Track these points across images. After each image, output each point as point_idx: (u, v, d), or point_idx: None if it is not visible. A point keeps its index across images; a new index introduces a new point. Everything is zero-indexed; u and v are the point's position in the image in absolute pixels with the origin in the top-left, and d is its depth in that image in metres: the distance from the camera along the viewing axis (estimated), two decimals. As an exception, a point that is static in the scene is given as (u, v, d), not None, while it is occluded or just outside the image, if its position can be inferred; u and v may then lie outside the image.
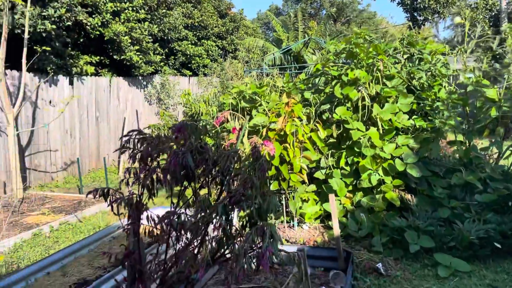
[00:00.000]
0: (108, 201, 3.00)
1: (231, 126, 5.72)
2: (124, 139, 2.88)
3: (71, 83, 10.42)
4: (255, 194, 2.41)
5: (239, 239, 2.51)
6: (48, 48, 8.87)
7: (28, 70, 8.91)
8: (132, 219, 2.79)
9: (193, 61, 15.62)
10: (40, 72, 9.41)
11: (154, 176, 2.71)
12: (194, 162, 2.53)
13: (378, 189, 5.65)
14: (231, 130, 5.65)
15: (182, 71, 15.58)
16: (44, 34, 8.83)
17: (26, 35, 7.95)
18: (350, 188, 5.89)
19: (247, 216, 2.54)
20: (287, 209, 5.91)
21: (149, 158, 2.77)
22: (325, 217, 6.08)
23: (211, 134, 5.71)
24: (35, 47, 8.61)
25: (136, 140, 2.90)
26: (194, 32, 16.19)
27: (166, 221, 2.38)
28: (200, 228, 2.20)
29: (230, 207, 2.35)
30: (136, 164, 2.98)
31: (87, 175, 10.65)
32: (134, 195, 2.80)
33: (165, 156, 2.79)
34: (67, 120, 10.30)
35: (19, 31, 8.28)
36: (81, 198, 8.13)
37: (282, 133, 5.84)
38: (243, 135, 5.32)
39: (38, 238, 5.96)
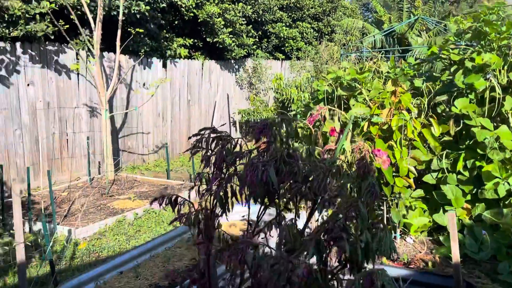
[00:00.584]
0: (175, 211, 2.50)
1: (328, 126, 4.93)
2: (194, 138, 2.33)
3: (164, 65, 10.37)
4: (361, 228, 1.71)
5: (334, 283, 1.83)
6: (142, 30, 8.80)
7: (123, 53, 8.95)
8: (201, 238, 2.25)
9: (286, 44, 14.95)
10: (135, 54, 9.43)
11: (229, 188, 2.13)
12: (280, 175, 1.89)
13: (507, 202, 4.57)
14: (329, 133, 4.85)
15: (274, 54, 15.00)
16: (138, 16, 8.76)
17: (120, 17, 7.89)
18: (469, 197, 4.86)
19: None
20: (388, 215, 5.07)
21: (224, 164, 2.19)
22: (434, 229, 5.12)
23: (301, 135, 4.98)
24: (129, 29, 8.57)
25: (209, 140, 2.33)
26: (289, 14, 15.47)
27: (238, 257, 1.79)
28: (283, 273, 1.58)
29: (325, 244, 1.69)
30: (209, 169, 2.43)
31: (177, 159, 10.62)
32: (202, 209, 2.25)
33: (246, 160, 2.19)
34: (159, 103, 10.30)
35: (114, 13, 8.27)
36: (168, 184, 8.00)
37: (385, 127, 4.97)
38: (345, 138, 4.49)
39: (121, 225, 5.83)
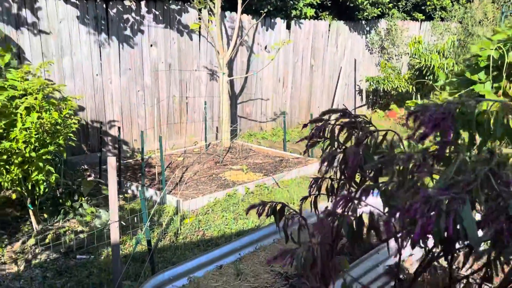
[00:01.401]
0: (281, 227, 1.78)
1: None
2: (310, 127, 1.54)
3: (288, 27, 9.59)
4: None
5: None
6: (266, -13, 8.07)
7: (246, 12, 8.37)
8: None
9: (428, 3, 12.95)
10: (258, 14, 8.79)
11: (366, 223, 1.32)
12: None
13: None
14: None
15: (413, 14, 13.14)
16: (263, -29, 8.03)
17: (243, -28, 7.25)
18: None
19: None
20: None
21: (359, 172, 1.38)
22: None
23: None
24: (252, -14, 7.91)
25: (337, 131, 1.53)
26: (435, -34, 13.31)
27: None
28: None
29: None
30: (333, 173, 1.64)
31: (295, 128, 9.95)
32: (319, 243, 1.47)
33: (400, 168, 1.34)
34: (280, 67, 9.63)
35: (237, -32, 7.64)
36: (283, 156, 7.39)
37: None
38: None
39: (231, 201, 5.38)
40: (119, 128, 5.93)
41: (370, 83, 11.32)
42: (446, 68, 9.94)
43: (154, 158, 7.18)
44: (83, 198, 5.08)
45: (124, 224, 4.77)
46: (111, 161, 3.12)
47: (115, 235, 3.16)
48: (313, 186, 1.83)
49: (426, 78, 10.46)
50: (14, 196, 4.34)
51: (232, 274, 3.11)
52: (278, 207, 1.80)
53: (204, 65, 8.28)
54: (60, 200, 4.90)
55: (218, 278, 3.05)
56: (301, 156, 7.36)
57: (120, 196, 5.71)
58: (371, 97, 11.95)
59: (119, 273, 3.20)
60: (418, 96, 10.98)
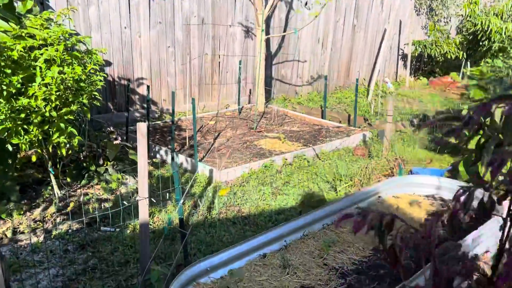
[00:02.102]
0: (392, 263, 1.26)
1: None
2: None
3: (331, -19, 8.73)
4: None
5: None
6: None
7: (287, -37, 7.58)
8: None
9: (486, -41, 11.70)
10: (300, -34, 7.98)
11: None
12: None
13: None
14: None
15: (468, -28, 11.94)
16: None
17: None
18: None
19: None
20: None
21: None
22: None
23: None
24: None
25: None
26: None
27: None
28: None
29: None
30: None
31: (333, 94, 9.28)
32: None
33: None
34: (320, 27, 8.86)
35: None
36: (322, 124, 6.81)
37: None
38: None
39: (267, 172, 4.89)
40: (148, 86, 5.43)
41: (416, 47, 10.42)
42: (505, 33, 8.97)
43: (184, 121, 6.70)
44: (108, 163, 4.67)
45: (152, 193, 4.36)
46: (141, 128, 2.63)
47: (144, 213, 2.72)
48: (458, 201, 1.28)
49: (481, 43, 9.52)
50: (34, 158, 3.94)
51: (278, 266, 2.65)
52: (386, 220, 1.26)
53: (239, 21, 7.61)
54: (84, 164, 4.51)
55: (262, 270, 2.60)
56: (342, 125, 6.75)
57: (148, 161, 5.29)
58: (414, 62, 11.07)
59: (147, 256, 2.78)
60: (468, 63, 10.07)
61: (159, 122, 6.57)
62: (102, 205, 4.09)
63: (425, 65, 11.54)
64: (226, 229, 3.63)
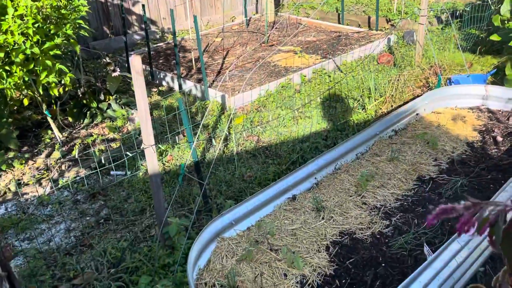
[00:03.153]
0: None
1: None
2: None
3: None
4: None
5: None
6: None
7: None
8: None
9: None
10: None
11: None
12: None
13: None
14: None
15: None
16: None
17: None
18: None
19: None
20: None
21: None
22: None
23: None
24: None
25: None
26: None
27: None
28: None
29: None
30: None
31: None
32: None
33: None
34: None
35: None
36: (341, 30, 6.14)
37: None
38: None
39: (285, 93, 4.43)
40: (143, 5, 4.79)
41: None
42: None
43: (188, 40, 6.11)
44: (110, 97, 4.25)
45: (161, 127, 3.98)
46: (135, 63, 2.16)
47: (152, 163, 2.35)
48: None
49: None
50: (26, 101, 3.53)
51: (311, 210, 2.32)
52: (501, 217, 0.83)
53: None
54: (84, 101, 4.09)
55: (294, 217, 2.27)
56: (362, 29, 6.07)
57: (154, 90, 4.86)
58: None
59: (162, 207, 2.47)
60: None
61: (161, 44, 6.00)
62: (109, 146, 3.75)
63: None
64: (246, 163, 3.28)
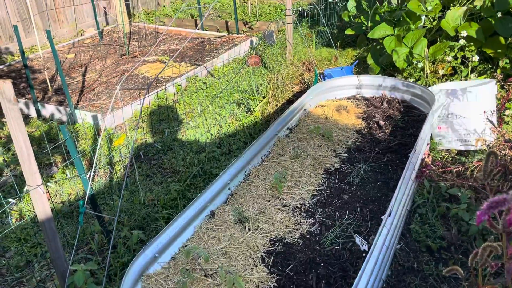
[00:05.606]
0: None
1: None
2: None
3: None
4: None
5: None
6: None
7: None
8: None
9: None
10: None
11: None
12: None
13: None
14: None
15: None
16: None
17: None
18: None
19: None
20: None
21: None
22: None
23: None
24: None
25: None
26: None
27: None
28: None
29: None
30: None
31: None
32: None
33: None
34: None
35: None
36: (202, 36, 6.08)
37: None
38: None
39: (163, 104, 4.18)
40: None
41: None
42: None
43: (34, 59, 5.37)
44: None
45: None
46: (7, 92, 1.74)
47: (43, 207, 1.94)
48: None
49: None
50: None
51: (234, 223, 2.12)
52: None
53: None
54: None
55: (219, 234, 2.04)
56: (223, 34, 6.11)
57: (4, 120, 4.13)
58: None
59: (61, 255, 2.07)
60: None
61: (1, 66, 5.16)
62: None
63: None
64: (142, 186, 2.98)
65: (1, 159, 3.35)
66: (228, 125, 3.73)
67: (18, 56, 5.55)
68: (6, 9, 5.53)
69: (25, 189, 1.99)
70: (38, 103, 4.13)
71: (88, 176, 2.27)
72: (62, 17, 6.28)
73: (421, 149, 2.49)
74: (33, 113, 4.20)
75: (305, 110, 3.31)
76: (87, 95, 4.43)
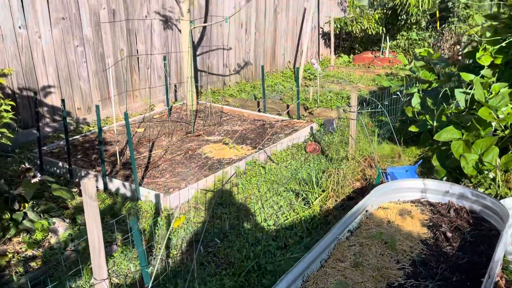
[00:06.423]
0: None
1: None
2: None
3: (249, -40, 8.12)
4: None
5: None
6: None
7: None
8: None
9: None
10: None
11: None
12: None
13: None
14: None
15: None
16: None
17: None
18: None
19: None
20: None
21: None
22: None
23: None
24: None
25: None
26: None
27: None
28: None
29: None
30: None
31: (260, 80, 8.76)
32: None
33: None
34: (242, 11, 8.24)
35: None
36: (264, 119, 6.29)
37: None
38: None
39: (223, 187, 4.26)
40: (62, 100, 4.43)
41: (336, 25, 10.26)
42: (421, 6, 9.09)
43: (107, 131, 5.76)
44: (26, 205, 3.70)
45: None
46: (89, 189, 1.87)
47: (105, 302, 1.99)
48: None
49: (400, 18, 9.60)
50: None
51: None
52: None
53: (156, 10, 6.72)
54: (-7, 212, 3.50)
55: None
56: (284, 118, 6.29)
57: (74, 190, 4.37)
58: (334, 40, 10.97)
59: None
60: (388, 38, 10.15)
61: (77, 136, 5.56)
62: (28, 265, 3.18)
63: (344, 41, 11.51)
64: (198, 276, 2.97)
65: (67, 233, 3.51)
66: (286, 216, 3.71)
67: (94, 127, 5.98)
68: (89, 83, 6.07)
69: (92, 282, 2.05)
70: (107, 177, 4.36)
71: (150, 270, 2.31)
72: (136, 92, 6.78)
73: (495, 273, 2.32)
74: (100, 186, 4.42)
75: (367, 211, 3.24)
76: (151, 171, 4.63)
